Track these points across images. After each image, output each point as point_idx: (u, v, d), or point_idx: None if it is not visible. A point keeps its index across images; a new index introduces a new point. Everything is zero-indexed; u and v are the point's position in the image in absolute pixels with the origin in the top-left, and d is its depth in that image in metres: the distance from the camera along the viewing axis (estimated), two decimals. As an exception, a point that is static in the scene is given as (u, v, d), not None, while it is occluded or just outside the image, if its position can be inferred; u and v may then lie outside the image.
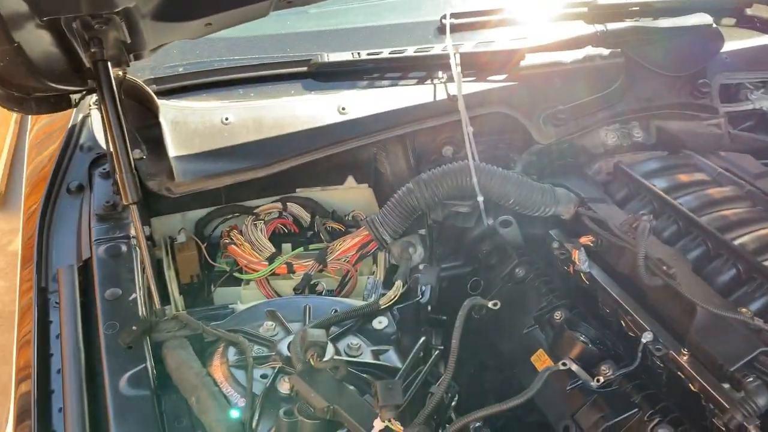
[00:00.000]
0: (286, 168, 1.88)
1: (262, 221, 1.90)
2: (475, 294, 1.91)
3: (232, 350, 1.39)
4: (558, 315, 1.65)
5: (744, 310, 1.41)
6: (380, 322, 1.52)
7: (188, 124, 1.91)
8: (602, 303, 1.69)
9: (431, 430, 1.10)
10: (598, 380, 1.50)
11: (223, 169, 1.85)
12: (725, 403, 1.31)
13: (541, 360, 1.60)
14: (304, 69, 2.04)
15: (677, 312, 1.48)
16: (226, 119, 1.91)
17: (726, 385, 1.36)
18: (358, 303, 1.60)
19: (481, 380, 1.81)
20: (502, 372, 1.73)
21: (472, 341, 1.88)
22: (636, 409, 1.43)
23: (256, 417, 1.21)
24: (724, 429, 1.31)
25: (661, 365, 1.50)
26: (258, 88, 2.02)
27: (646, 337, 1.51)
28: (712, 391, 1.36)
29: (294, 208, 1.99)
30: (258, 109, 1.94)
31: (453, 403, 1.54)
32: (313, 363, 1.21)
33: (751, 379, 1.29)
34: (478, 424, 1.53)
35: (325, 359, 1.28)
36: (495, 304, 1.52)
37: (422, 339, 1.44)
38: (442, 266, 2.07)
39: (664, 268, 1.45)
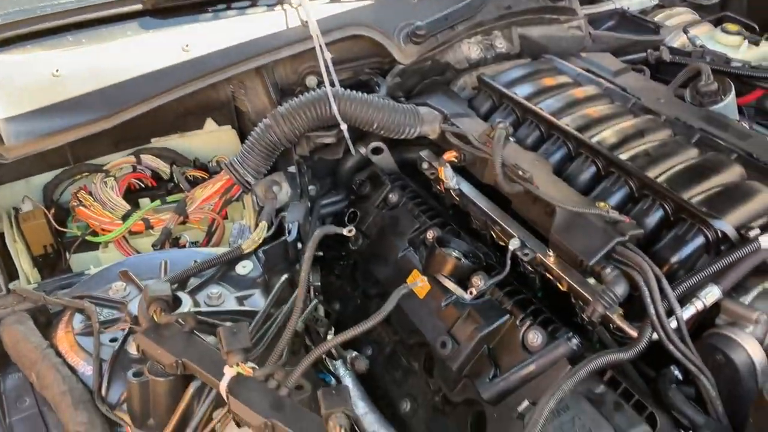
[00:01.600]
0: (131, 117, 1.73)
1: (113, 178, 1.76)
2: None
3: (78, 317, 1.28)
4: (430, 234, 1.63)
5: (602, 204, 1.42)
6: (244, 267, 1.44)
7: (14, 80, 1.72)
8: (474, 217, 1.68)
9: (283, 371, 1.05)
10: (471, 293, 1.50)
11: (60, 126, 1.69)
12: (588, 297, 1.33)
13: (416, 280, 1.58)
14: (140, 7, 1.87)
15: (540, 215, 1.48)
16: (57, 71, 1.73)
17: (591, 281, 1.39)
18: (221, 252, 1.51)
19: (366, 310, 1.78)
20: (383, 299, 1.70)
21: (352, 273, 1.86)
22: (508, 316, 1.43)
23: (105, 383, 1.13)
24: (590, 322, 1.34)
25: (532, 270, 1.51)
26: (90, 32, 1.83)
27: (514, 244, 1.51)
28: (577, 288, 1.38)
29: (150, 160, 1.86)
30: (92, 56, 1.76)
31: (329, 337, 1.50)
32: (157, 319, 1.12)
33: (609, 270, 1.31)
34: (354, 354, 1.51)
35: (181, 311, 1.20)
36: (350, 231, 1.46)
37: (284, 277, 1.37)
38: (322, 203, 2.01)
39: (520, 172, 1.44)
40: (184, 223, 1.71)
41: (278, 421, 0.99)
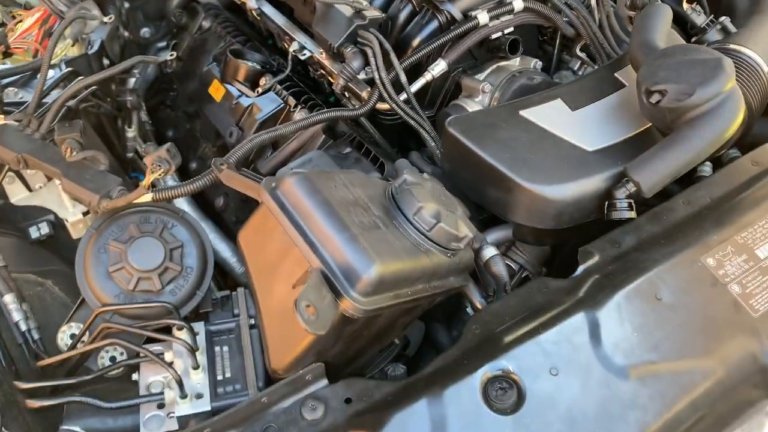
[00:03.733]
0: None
1: (-66, 18, 1.90)
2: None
3: None
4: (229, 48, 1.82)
5: None
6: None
7: None
8: (275, 35, 1.87)
9: (37, 120, 1.25)
10: (257, 91, 1.71)
11: None
12: (336, 73, 1.55)
13: (215, 88, 1.79)
14: None
15: (309, 15, 1.68)
16: None
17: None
18: (28, 64, 1.68)
19: (193, 131, 1.99)
20: (199, 116, 1.91)
21: (175, 98, 2.06)
22: (283, 104, 1.66)
23: None
24: (340, 96, 1.58)
25: (314, 70, 1.73)
26: None
27: (293, 47, 1.71)
28: (335, 73, 1.60)
29: (-23, 3, 1.98)
30: None
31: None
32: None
33: (349, 49, 1.52)
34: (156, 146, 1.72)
35: None
36: (171, 56, 1.63)
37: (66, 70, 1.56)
38: (158, 46, 2.17)
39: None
40: (8, 55, 1.87)
41: (28, 154, 1.20)
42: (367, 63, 1.51)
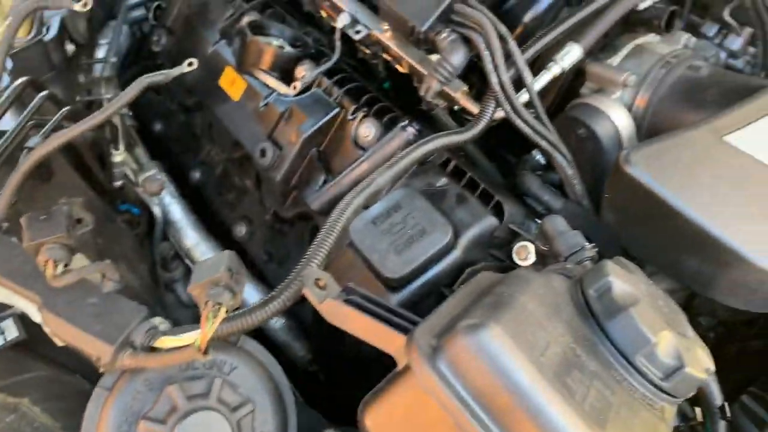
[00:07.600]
0: None
1: None
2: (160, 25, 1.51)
3: None
4: (245, 20, 1.30)
5: (439, -44, 1.11)
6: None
7: None
8: (306, -2, 1.34)
9: None
10: (294, 87, 1.21)
11: None
12: (423, 72, 1.07)
13: (230, 80, 1.28)
14: None
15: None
16: None
17: (435, 57, 1.12)
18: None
19: (190, 127, 1.48)
20: (202, 110, 1.40)
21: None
22: (338, 109, 1.17)
23: None
24: (427, 104, 1.10)
25: (372, 54, 1.23)
26: None
27: (342, 21, 1.20)
28: (413, 64, 1.11)
29: None
30: None
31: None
32: None
33: (444, 35, 1.03)
34: (147, 174, 1.23)
35: None
36: (191, 64, 1.05)
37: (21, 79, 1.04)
38: (129, 4, 1.62)
39: None
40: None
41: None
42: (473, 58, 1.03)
